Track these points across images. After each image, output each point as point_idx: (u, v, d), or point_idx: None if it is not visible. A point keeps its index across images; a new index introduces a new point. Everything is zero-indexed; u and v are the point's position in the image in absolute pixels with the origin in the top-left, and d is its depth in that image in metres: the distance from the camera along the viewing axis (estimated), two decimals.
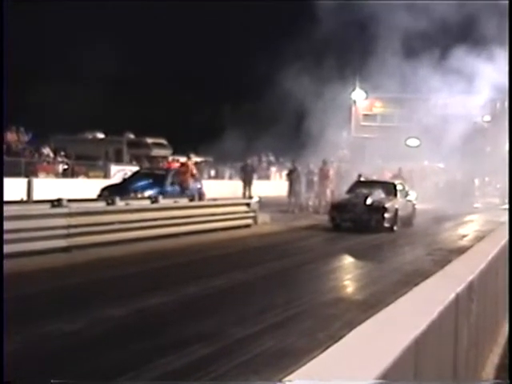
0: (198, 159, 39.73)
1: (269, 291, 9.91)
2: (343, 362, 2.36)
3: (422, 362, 2.95)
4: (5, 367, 4.45)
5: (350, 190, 21.43)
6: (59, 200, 12.81)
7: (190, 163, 24.71)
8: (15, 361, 5.92)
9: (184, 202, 17.17)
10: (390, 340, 2.68)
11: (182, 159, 37.91)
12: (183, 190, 22.05)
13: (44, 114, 41.56)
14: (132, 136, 38.84)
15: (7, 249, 10.36)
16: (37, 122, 31.43)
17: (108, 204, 14.57)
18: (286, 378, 2.10)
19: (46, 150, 27.61)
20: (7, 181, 18.70)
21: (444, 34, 32.81)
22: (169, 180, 21.63)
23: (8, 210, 11.25)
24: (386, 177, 29.10)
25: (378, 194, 20.15)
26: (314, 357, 2.37)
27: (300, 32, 35.05)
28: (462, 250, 9.70)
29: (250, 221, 18.90)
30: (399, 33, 32.53)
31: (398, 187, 21.53)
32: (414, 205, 22.40)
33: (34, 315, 7.70)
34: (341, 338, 2.63)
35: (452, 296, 3.82)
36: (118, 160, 34.34)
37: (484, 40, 31.27)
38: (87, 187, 22.45)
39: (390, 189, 21.04)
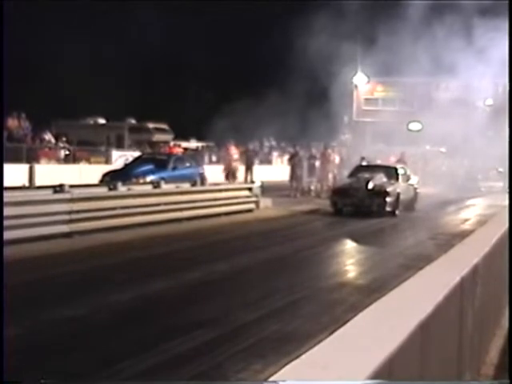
0: (200, 144, 39.83)
1: (272, 276, 9.92)
2: (348, 347, 2.35)
3: (427, 345, 2.94)
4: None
5: (352, 175, 21.39)
6: (61, 186, 12.79)
7: (233, 148, 25.95)
8: (23, 346, 5.95)
9: (186, 187, 17.15)
10: (396, 324, 2.67)
11: (193, 144, 38.17)
12: (227, 177, 24.49)
13: (45, 100, 41.50)
14: (133, 121, 38.79)
15: (10, 235, 10.36)
16: (38, 107, 31.39)
17: (110, 189, 14.55)
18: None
19: (48, 136, 27.54)
20: (9, 167, 18.70)
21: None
22: (171, 165, 21.64)
23: (10, 196, 11.25)
24: (390, 162, 29.00)
25: (380, 179, 20.11)
26: (320, 341, 2.36)
27: (302, 14, 34.99)
28: (464, 234, 9.71)
29: (252, 205, 18.90)
30: None
31: (400, 171, 21.49)
32: (415, 189, 22.37)
33: (38, 301, 7.70)
34: (345, 321, 2.62)
35: (457, 279, 3.80)
36: (120, 145, 34.31)
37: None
38: (89, 173, 22.42)
39: (392, 173, 20.99)
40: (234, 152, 26.92)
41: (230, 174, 25.68)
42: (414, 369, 2.78)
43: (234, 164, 26.29)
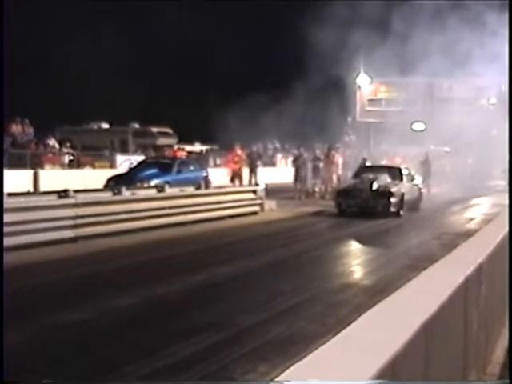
0: (204, 147, 39.87)
1: (276, 278, 9.91)
2: (352, 347, 2.35)
3: (432, 345, 2.94)
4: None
5: (356, 176, 21.38)
6: (66, 191, 12.82)
7: (239, 151, 26.36)
8: (23, 351, 5.97)
9: (190, 190, 17.16)
10: (400, 324, 2.67)
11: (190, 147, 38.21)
12: (233, 180, 25.05)
13: (48, 105, 41.57)
14: (137, 125, 38.81)
15: (15, 241, 10.39)
16: (41, 113, 31.46)
17: (114, 194, 14.57)
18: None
19: (52, 142, 27.59)
20: (13, 173, 18.75)
21: None
22: (175, 169, 21.67)
23: (15, 202, 11.28)
24: (396, 163, 28.93)
25: (384, 179, 20.10)
26: (323, 343, 2.36)
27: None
28: (469, 234, 9.68)
29: (256, 208, 18.89)
30: None
31: (404, 171, 21.47)
32: (420, 189, 22.36)
33: (44, 306, 7.71)
34: (349, 323, 2.62)
35: (461, 279, 3.80)
36: (124, 150, 34.31)
37: None
38: (93, 178, 22.45)
39: (396, 173, 20.97)
40: (239, 154, 27.11)
41: (237, 177, 25.84)
42: (418, 369, 2.78)
43: (238, 166, 26.44)
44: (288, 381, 2.01)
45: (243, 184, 24.95)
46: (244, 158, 27.43)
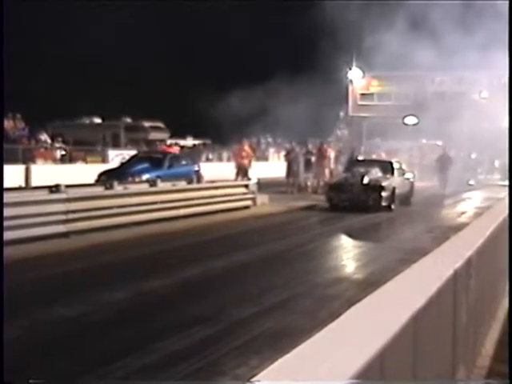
0: (196, 142, 39.87)
1: (268, 272, 9.93)
2: (339, 340, 2.36)
3: (420, 339, 2.95)
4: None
5: (347, 170, 21.41)
6: (57, 186, 12.78)
7: (246, 147, 26.29)
8: (28, 344, 5.97)
9: (182, 184, 17.14)
10: (389, 317, 2.68)
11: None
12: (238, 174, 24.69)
13: (40, 100, 41.45)
14: (129, 120, 38.75)
15: (6, 236, 10.34)
16: (33, 108, 31.38)
17: (106, 188, 14.55)
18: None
19: (44, 137, 27.49)
20: (5, 168, 18.60)
21: None
22: (166, 163, 21.65)
23: (7, 197, 11.23)
24: (390, 157, 28.92)
25: (375, 173, 20.13)
26: (312, 335, 2.37)
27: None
28: (461, 227, 9.69)
29: (248, 202, 18.89)
30: None
31: (395, 165, 21.50)
32: (411, 183, 22.40)
33: (38, 301, 7.72)
34: (340, 316, 2.63)
35: (450, 272, 3.82)
36: (116, 144, 34.26)
37: None
38: (85, 172, 22.38)
39: (387, 167, 21.00)
40: (247, 150, 27.05)
41: (242, 171, 25.75)
42: (406, 361, 2.79)
43: (245, 161, 26.30)
44: (275, 380, 1.98)
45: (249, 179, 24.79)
46: (251, 154, 27.18)
